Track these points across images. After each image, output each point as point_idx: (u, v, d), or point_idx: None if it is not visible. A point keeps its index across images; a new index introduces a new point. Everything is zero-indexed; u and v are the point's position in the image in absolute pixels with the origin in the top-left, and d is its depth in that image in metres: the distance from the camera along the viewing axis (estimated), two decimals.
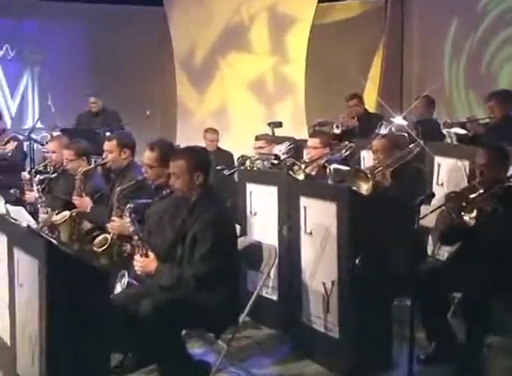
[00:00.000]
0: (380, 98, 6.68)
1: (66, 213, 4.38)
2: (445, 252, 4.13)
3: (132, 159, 4.38)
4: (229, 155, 7.15)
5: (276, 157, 5.17)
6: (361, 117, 6.58)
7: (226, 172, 5.68)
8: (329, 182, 4.23)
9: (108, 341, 2.79)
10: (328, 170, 4.33)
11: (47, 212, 4.83)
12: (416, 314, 3.07)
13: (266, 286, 4.09)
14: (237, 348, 3.77)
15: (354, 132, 6.43)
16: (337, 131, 6.35)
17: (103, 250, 3.90)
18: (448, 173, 4.48)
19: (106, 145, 4.41)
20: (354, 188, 3.80)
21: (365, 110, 6.85)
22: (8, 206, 3.68)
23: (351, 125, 6.53)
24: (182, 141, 7.63)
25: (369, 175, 3.96)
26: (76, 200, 4.49)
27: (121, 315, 3.09)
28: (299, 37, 8.77)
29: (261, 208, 4.32)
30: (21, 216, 3.76)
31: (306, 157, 4.94)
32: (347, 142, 5.25)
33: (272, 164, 5.23)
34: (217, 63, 9.49)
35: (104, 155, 4.44)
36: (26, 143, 7.24)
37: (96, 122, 7.80)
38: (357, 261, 3.29)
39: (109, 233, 3.96)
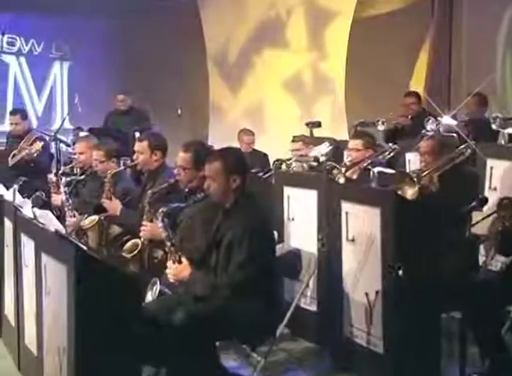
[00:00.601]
0: (427, 96, 6.61)
1: (94, 217, 4.43)
2: (498, 263, 4.05)
3: (164, 161, 4.42)
4: (264, 156, 7.16)
5: (316, 159, 5.16)
6: (416, 117, 6.46)
7: (261, 175, 5.72)
8: (373, 186, 4.19)
9: (139, 353, 2.81)
10: (372, 173, 4.30)
11: (74, 216, 4.90)
12: (467, 328, 3.02)
13: (304, 296, 4.07)
14: (274, 361, 3.76)
15: (404, 131, 6.34)
16: (380, 127, 6.28)
17: (133, 256, 3.93)
18: (501, 177, 4.40)
19: (137, 146, 4.45)
20: (399, 192, 3.76)
21: (423, 109, 6.73)
22: (35, 210, 3.73)
23: (400, 123, 6.44)
24: (214, 142, 7.67)
25: (415, 179, 3.91)
26: (105, 203, 4.53)
27: (153, 325, 3.11)
28: (339, 32, 8.73)
29: (300, 213, 4.30)
30: (48, 220, 3.81)
31: (347, 159, 4.91)
32: (390, 144, 5.20)
33: (311, 166, 5.22)
34: (251, 60, 9.51)
35: (135, 156, 4.47)
36: (52, 144, 7.36)
37: (124, 121, 7.87)
38: (400, 272, 3.25)
39: (139, 238, 4.00)
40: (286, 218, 4.40)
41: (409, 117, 6.46)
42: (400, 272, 3.26)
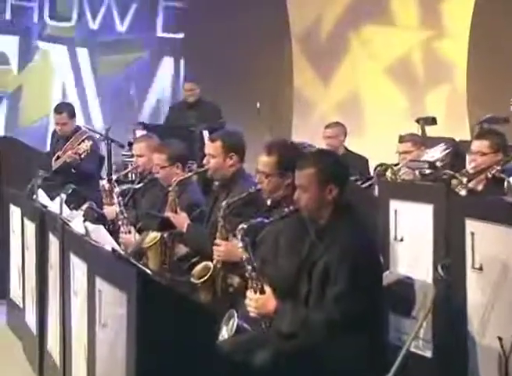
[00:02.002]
0: None
1: (156, 234, 4.51)
2: None
3: (241, 166, 4.46)
4: (363, 161, 7.15)
5: (430, 164, 5.11)
6: None
7: (360, 184, 5.70)
8: (507, 199, 4.12)
9: None
10: (505, 183, 4.23)
11: (129, 232, 5.02)
12: None
13: (417, 338, 4.02)
14: None
15: None
16: None
17: (204, 282, 3.99)
18: None
19: (210, 147, 4.49)
20: None
21: None
22: (87, 224, 3.84)
23: None
24: (299, 139, 7.70)
25: None
26: (170, 217, 4.58)
27: (230, 367, 3.14)
28: (460, 5, 8.63)
29: (411, 233, 4.25)
30: (102, 237, 3.90)
31: (469, 166, 4.85)
32: None
33: (424, 174, 5.18)
34: (347, 41, 9.52)
35: (205, 160, 4.52)
36: (102, 145, 7.55)
37: (190, 116, 8.02)
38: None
39: (211, 261, 4.05)
40: (392, 238, 4.36)
41: None
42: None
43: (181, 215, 4.57)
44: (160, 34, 10.20)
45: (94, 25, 9.90)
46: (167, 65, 10.14)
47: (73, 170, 6.87)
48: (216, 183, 4.71)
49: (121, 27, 10.01)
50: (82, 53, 9.89)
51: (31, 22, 9.67)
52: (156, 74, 10.07)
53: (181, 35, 10.08)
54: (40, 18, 9.69)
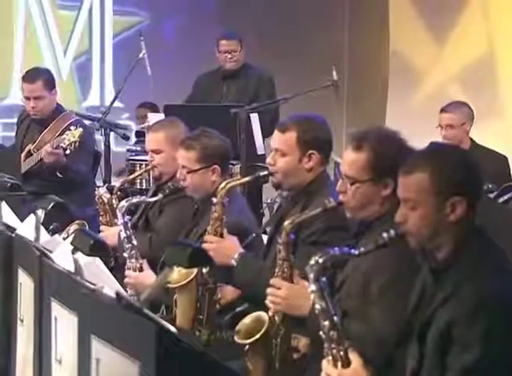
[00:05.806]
0: None
1: (190, 270, 4.46)
2: None
3: (324, 169, 4.49)
4: (499, 161, 7.23)
5: None
6: None
7: (495, 196, 5.68)
8: None
9: None
10: None
11: (140, 268, 5.03)
12: None
13: None
14: None
15: None
16: None
17: (253, 342, 3.97)
18: None
19: (278, 140, 4.48)
20: None
21: None
22: (78, 256, 3.85)
23: None
24: (397, 127, 7.68)
25: None
26: (211, 243, 4.52)
27: None
28: None
29: None
30: (99, 275, 3.92)
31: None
32: None
33: None
34: None
35: (270, 159, 4.51)
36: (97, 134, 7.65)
37: (229, 91, 8.06)
38: None
39: (266, 312, 4.03)
40: None
41: None
42: None
43: (230, 241, 4.55)
44: None
45: None
46: None
47: (58, 174, 6.92)
48: (284, 194, 4.71)
49: None
50: None
51: None
52: None
53: None
54: None
